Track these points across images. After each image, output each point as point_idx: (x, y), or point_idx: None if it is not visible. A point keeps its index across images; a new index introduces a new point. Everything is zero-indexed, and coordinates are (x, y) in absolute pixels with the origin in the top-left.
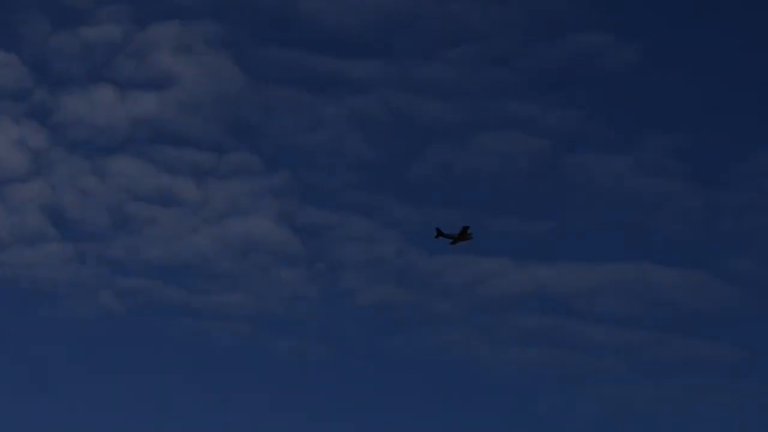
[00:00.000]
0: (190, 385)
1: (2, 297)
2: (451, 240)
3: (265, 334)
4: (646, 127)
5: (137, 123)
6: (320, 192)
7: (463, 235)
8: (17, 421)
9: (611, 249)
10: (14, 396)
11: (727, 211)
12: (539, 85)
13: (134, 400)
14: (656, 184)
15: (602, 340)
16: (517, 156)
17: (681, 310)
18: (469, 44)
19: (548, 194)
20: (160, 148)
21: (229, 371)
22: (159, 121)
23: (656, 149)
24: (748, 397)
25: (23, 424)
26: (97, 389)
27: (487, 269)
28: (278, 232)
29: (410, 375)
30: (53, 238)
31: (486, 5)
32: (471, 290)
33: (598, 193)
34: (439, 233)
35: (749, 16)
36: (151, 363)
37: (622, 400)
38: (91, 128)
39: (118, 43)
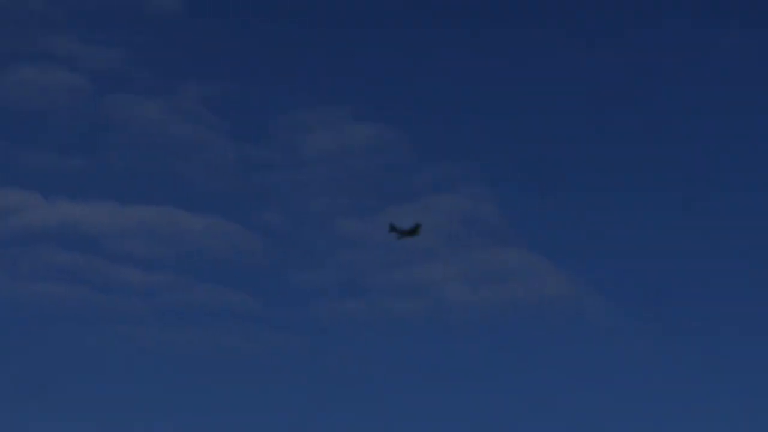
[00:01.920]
0: None
1: None
2: (399, 235)
3: None
4: (186, 75)
5: None
6: None
7: (414, 231)
8: None
9: (142, 191)
10: None
11: (259, 166)
12: (81, 21)
13: None
14: (191, 132)
15: (127, 281)
16: (54, 91)
17: (208, 257)
18: None
19: (84, 132)
20: None
21: None
22: None
23: (194, 98)
24: (263, 344)
25: None
26: None
27: (16, 202)
28: None
29: None
30: None
31: None
32: None
33: (133, 135)
34: (393, 228)
35: None
36: None
37: (145, 342)
38: None
39: None
